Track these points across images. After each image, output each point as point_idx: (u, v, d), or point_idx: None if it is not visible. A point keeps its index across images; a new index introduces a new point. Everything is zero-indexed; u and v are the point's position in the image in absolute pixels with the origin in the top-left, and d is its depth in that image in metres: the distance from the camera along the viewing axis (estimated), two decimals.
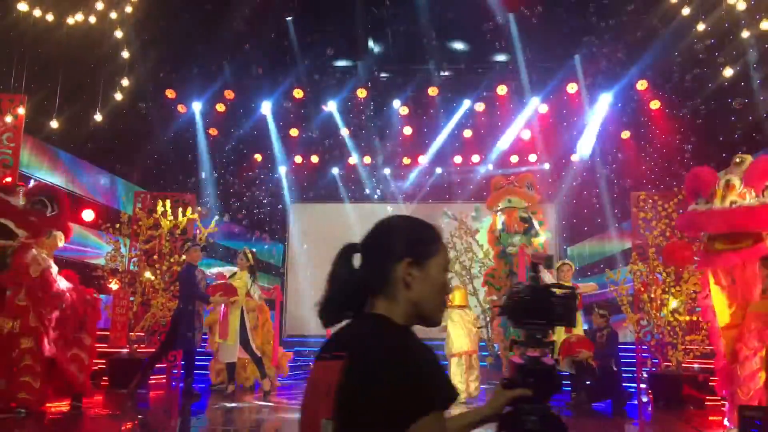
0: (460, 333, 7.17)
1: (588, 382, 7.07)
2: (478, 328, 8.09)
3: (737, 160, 4.95)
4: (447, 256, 1.43)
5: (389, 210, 13.05)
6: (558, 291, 1.56)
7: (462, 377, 7.09)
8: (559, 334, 7.69)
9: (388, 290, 1.36)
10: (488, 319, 10.17)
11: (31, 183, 7.42)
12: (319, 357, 1.35)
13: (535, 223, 7.93)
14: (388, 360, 1.21)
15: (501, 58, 11.60)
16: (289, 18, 10.72)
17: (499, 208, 8.05)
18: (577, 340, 7.33)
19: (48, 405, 5.89)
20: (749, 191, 4.80)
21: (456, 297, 7.40)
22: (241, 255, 8.15)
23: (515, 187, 8.17)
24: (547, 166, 12.42)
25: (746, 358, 4.75)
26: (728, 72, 8.93)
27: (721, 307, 4.98)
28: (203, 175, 12.34)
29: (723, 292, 4.93)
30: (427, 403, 1.19)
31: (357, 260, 1.42)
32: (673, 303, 7.76)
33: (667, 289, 7.79)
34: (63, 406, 6.04)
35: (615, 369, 7.17)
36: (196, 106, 11.89)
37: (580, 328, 7.73)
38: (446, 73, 11.77)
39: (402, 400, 1.17)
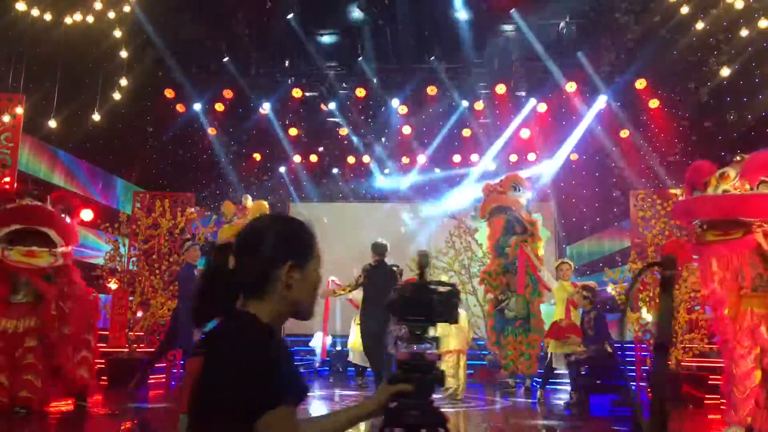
0: (448, 332, 7.16)
1: (583, 373, 6.97)
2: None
3: (737, 158, 4.93)
4: (320, 255, 1.48)
5: (387, 209, 13.07)
6: (440, 288, 1.57)
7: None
8: (550, 318, 7.72)
9: (263, 290, 1.39)
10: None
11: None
12: (191, 353, 1.42)
13: (527, 224, 7.93)
14: (237, 357, 1.26)
15: (505, 46, 11.46)
16: (290, 16, 10.70)
17: (487, 218, 8.08)
18: (566, 325, 7.31)
19: (51, 404, 5.86)
20: (743, 184, 4.79)
21: None
22: None
23: (498, 194, 8.19)
24: (546, 164, 12.40)
25: (741, 356, 4.72)
26: (726, 71, 8.93)
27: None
28: (202, 174, 12.32)
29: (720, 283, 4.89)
30: (274, 398, 1.24)
31: (232, 261, 1.44)
32: (644, 312, 7.77)
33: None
34: (64, 405, 6.02)
35: (610, 351, 7.06)
36: (196, 106, 11.88)
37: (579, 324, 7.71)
38: (446, 72, 11.73)
39: (249, 395, 1.23)
